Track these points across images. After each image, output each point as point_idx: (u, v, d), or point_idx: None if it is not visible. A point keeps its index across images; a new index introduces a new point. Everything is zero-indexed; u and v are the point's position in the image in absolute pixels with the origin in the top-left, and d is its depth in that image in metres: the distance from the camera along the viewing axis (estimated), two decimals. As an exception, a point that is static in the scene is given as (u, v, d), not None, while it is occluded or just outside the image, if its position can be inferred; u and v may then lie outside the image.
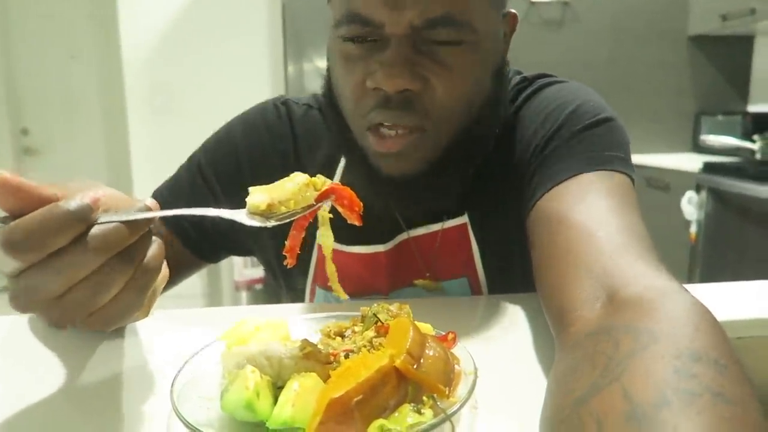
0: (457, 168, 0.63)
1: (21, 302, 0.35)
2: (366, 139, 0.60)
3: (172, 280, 0.76)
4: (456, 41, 0.56)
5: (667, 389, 0.28)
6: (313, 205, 0.43)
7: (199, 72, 3.08)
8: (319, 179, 0.44)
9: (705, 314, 0.35)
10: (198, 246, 0.76)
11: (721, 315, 0.56)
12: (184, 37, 3.07)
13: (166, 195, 0.76)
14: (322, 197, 0.44)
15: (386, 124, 0.58)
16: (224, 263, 2.75)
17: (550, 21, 2.84)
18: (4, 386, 0.48)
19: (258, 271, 2.79)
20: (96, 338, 0.56)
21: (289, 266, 0.45)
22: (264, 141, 0.75)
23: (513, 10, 0.65)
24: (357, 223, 0.45)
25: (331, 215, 0.46)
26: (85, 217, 0.34)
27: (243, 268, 2.78)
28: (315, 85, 2.63)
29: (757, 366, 0.58)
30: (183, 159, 0.79)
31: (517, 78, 0.73)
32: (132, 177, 3.16)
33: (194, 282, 0.78)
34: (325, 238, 0.46)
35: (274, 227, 0.43)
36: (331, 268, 0.47)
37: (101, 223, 0.35)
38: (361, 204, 0.45)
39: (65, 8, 3.67)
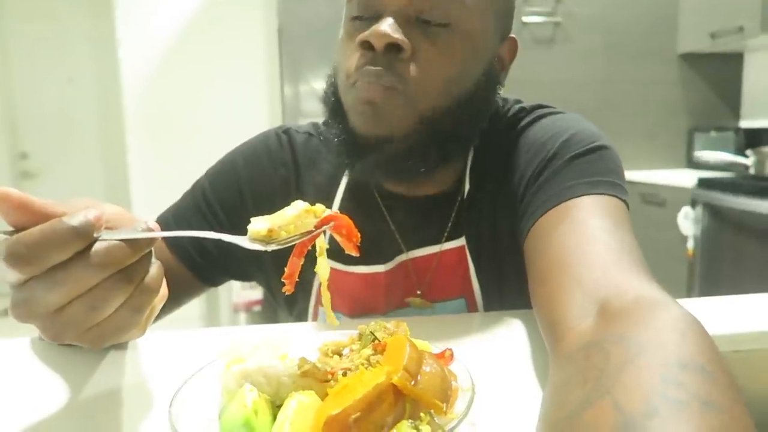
0: (442, 150, 0.65)
1: (21, 312, 0.36)
2: (352, 96, 0.62)
3: (174, 303, 0.77)
4: (445, 22, 0.60)
5: (655, 398, 0.29)
6: (312, 231, 0.44)
7: (197, 94, 3.11)
8: (319, 207, 0.45)
9: (692, 323, 0.36)
10: (201, 269, 0.77)
11: (720, 329, 0.57)
12: (182, 60, 3.10)
13: (170, 221, 0.77)
14: (322, 224, 0.45)
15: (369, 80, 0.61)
16: (222, 285, 2.76)
17: (541, 40, 2.88)
18: (6, 406, 0.48)
19: (256, 293, 2.78)
20: (95, 358, 0.56)
21: (287, 293, 0.45)
22: (266, 169, 0.77)
23: (512, 35, 0.69)
24: (354, 253, 0.46)
25: (328, 246, 0.47)
26: (87, 234, 0.35)
27: (241, 290, 2.78)
28: (311, 107, 2.66)
29: (756, 379, 0.58)
30: (182, 182, 0.80)
31: (516, 107, 0.75)
32: (131, 200, 3.17)
33: (192, 304, 0.79)
34: (322, 268, 0.47)
35: (276, 254, 0.44)
36: (326, 297, 0.48)
37: (103, 240, 0.36)
38: (359, 235, 0.46)
39: (63, 31, 3.71)
